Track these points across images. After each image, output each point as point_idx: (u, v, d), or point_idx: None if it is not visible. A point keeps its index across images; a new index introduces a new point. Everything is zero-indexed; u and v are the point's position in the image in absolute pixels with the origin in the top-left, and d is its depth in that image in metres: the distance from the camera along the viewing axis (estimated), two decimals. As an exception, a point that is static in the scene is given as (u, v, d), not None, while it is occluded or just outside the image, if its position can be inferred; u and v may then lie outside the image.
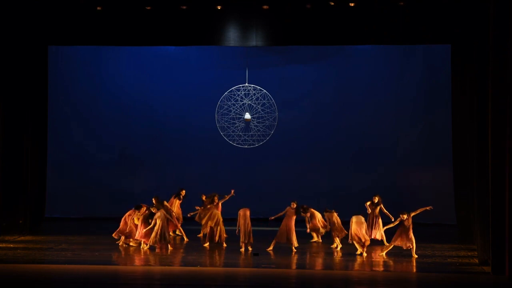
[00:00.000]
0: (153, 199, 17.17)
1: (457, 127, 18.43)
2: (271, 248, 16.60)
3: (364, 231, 16.43)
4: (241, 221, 16.49)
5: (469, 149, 17.32)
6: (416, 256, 15.83)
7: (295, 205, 16.75)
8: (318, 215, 17.49)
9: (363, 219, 16.57)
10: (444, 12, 17.48)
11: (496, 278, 13.86)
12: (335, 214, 17.05)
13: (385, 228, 16.97)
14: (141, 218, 16.91)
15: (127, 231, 17.16)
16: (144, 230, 16.70)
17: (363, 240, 16.38)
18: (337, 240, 17.07)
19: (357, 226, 16.45)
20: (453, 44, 18.24)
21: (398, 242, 15.93)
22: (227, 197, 18.09)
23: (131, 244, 17.18)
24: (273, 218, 17.28)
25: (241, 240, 16.49)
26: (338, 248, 16.92)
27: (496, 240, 14.00)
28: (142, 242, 16.89)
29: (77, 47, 20.58)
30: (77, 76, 21.68)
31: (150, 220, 16.72)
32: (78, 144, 21.67)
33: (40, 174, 19.52)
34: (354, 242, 16.45)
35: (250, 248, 16.50)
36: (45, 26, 18.39)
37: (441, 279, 13.96)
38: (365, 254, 16.21)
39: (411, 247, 15.83)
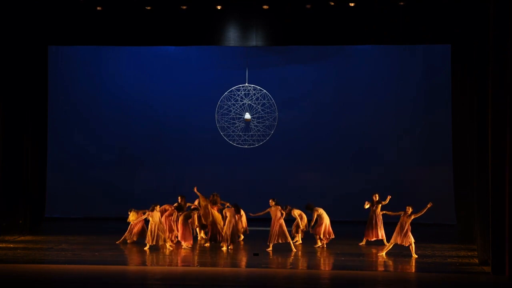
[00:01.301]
0: (179, 198, 17.40)
1: (457, 127, 18.42)
2: (270, 248, 16.61)
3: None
4: (233, 221, 16.57)
5: (469, 149, 17.32)
6: (416, 256, 15.84)
7: (273, 202, 16.75)
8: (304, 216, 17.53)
9: None
10: (444, 12, 17.48)
11: (496, 278, 13.85)
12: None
13: (383, 212, 17.03)
14: (181, 218, 16.96)
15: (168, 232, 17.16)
16: (185, 231, 16.88)
17: (331, 236, 16.97)
18: (299, 236, 17.38)
19: (327, 221, 16.97)
20: (453, 44, 18.23)
21: (397, 240, 15.95)
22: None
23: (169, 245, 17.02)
24: (253, 215, 17.27)
25: (229, 240, 16.61)
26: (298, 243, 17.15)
27: (496, 240, 13.99)
28: (182, 243, 16.97)
29: (77, 47, 20.59)
30: (77, 76, 21.69)
31: (189, 221, 16.90)
32: (78, 144, 21.68)
33: (40, 174, 19.51)
34: (318, 236, 16.96)
35: (231, 247, 16.66)
36: (45, 26, 18.39)
37: (441, 279, 13.95)
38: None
39: (410, 243, 15.84)
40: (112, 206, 21.21)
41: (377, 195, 17.68)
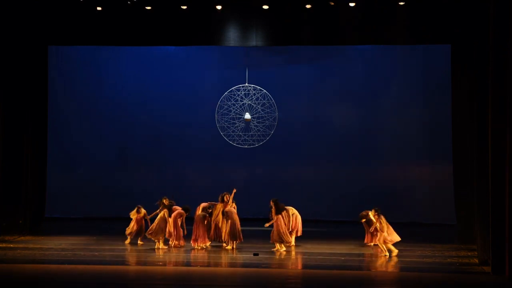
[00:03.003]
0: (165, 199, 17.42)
1: (457, 127, 18.40)
2: (276, 248, 16.64)
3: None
4: (236, 219, 16.60)
5: (469, 149, 17.31)
6: (387, 255, 15.95)
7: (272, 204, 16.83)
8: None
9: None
10: (444, 12, 17.48)
11: (496, 278, 13.85)
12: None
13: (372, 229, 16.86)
14: (197, 218, 16.98)
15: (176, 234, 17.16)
16: (200, 231, 16.89)
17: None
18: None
19: (300, 219, 17.27)
20: (453, 44, 18.22)
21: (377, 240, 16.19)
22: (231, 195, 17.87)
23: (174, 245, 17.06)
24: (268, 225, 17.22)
25: (230, 238, 16.69)
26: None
27: (496, 240, 13.99)
28: (194, 244, 16.98)
29: (77, 47, 20.58)
30: (77, 76, 21.68)
31: (206, 221, 16.95)
32: (78, 144, 21.66)
33: (40, 174, 19.50)
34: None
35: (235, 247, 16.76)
36: (45, 26, 18.40)
37: (441, 279, 13.95)
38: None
39: (378, 243, 16.12)
40: (112, 206, 21.21)
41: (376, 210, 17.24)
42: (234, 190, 17.20)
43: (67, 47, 20.78)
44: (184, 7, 17.78)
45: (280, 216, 16.70)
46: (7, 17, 17.75)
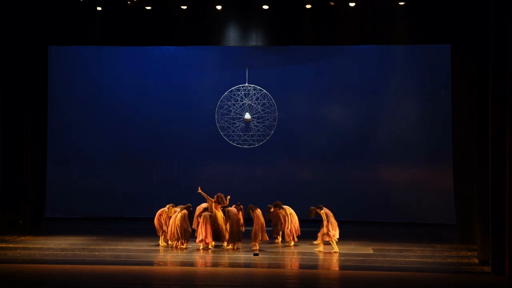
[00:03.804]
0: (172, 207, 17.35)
1: (457, 127, 18.41)
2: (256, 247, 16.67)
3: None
4: (236, 219, 16.61)
5: (469, 149, 17.33)
6: (321, 251, 16.17)
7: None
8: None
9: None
10: (444, 12, 17.49)
11: (496, 278, 13.85)
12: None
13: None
14: (202, 219, 16.94)
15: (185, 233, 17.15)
16: (208, 230, 16.85)
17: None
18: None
19: (296, 219, 17.39)
20: (453, 44, 18.24)
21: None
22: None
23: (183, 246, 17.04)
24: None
25: (231, 238, 16.69)
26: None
27: (496, 240, 13.99)
28: (204, 243, 16.93)
29: (77, 47, 20.58)
30: (77, 76, 21.67)
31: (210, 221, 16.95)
32: (78, 144, 21.65)
33: (40, 174, 19.50)
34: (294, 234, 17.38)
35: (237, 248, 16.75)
36: (45, 26, 18.42)
37: (441, 279, 13.95)
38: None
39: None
40: (112, 206, 21.22)
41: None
42: (228, 197, 17.24)
43: (67, 47, 20.77)
44: (184, 7, 17.79)
45: (257, 214, 16.74)
46: (8, 17, 17.78)
